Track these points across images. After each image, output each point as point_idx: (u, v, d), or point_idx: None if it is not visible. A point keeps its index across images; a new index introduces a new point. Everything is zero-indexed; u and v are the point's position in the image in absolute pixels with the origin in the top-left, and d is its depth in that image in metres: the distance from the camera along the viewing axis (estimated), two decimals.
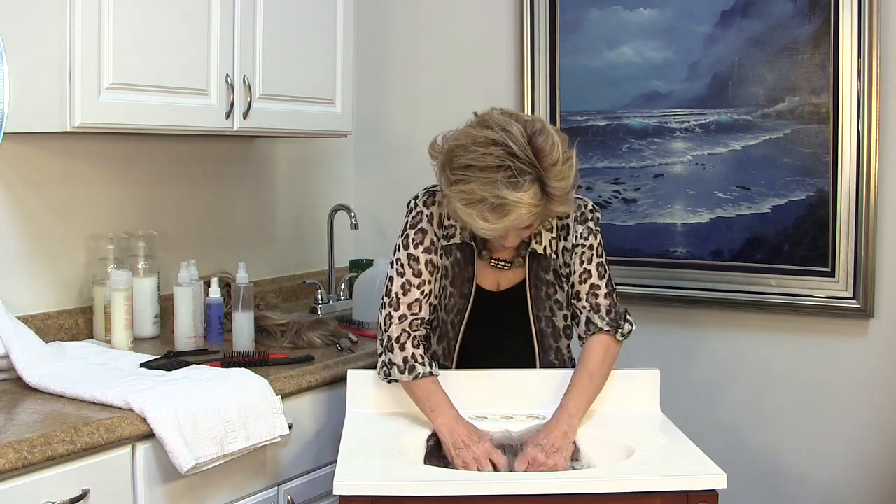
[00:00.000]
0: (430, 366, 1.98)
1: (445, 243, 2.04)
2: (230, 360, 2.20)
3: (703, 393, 2.73)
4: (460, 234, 2.03)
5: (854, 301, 2.49)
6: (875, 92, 2.42)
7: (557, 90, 2.85)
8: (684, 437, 1.91)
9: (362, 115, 3.14)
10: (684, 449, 1.85)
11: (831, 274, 2.52)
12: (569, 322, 2.09)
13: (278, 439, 2.04)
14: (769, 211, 2.59)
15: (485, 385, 2.04)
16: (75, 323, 2.39)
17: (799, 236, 2.56)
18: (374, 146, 3.25)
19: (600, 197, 2.80)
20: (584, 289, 2.04)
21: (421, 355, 1.99)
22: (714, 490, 1.70)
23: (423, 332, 2.04)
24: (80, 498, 1.68)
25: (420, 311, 2.03)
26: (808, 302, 2.56)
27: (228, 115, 2.39)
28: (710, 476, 1.71)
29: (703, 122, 2.66)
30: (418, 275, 2.03)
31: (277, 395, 2.05)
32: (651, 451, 1.84)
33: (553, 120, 2.86)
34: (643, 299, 2.73)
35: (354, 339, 2.47)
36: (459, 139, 1.85)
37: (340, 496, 1.68)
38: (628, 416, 2.02)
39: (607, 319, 2.02)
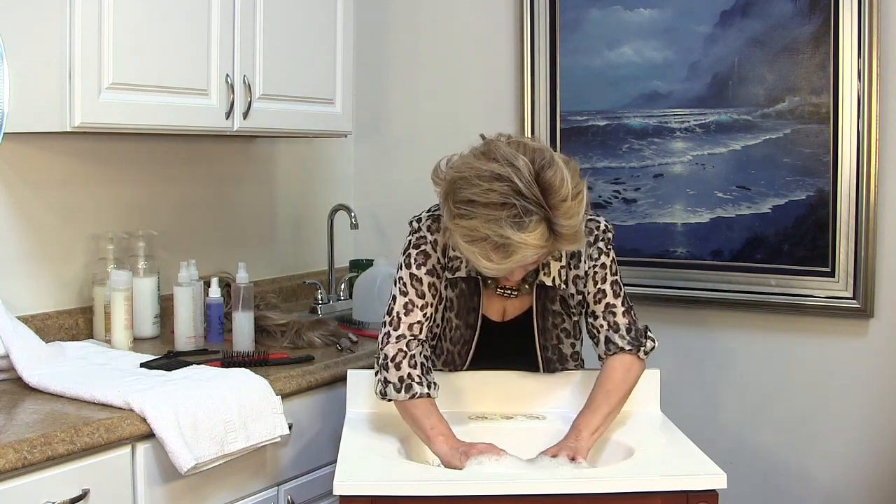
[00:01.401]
0: (428, 387, 1.92)
1: (450, 276, 1.98)
2: (230, 360, 2.20)
3: (704, 393, 2.73)
4: (465, 267, 1.97)
5: (854, 301, 2.49)
6: (875, 92, 2.42)
7: (557, 90, 2.85)
8: (684, 437, 1.91)
9: (362, 115, 3.14)
10: (684, 449, 1.85)
11: (831, 274, 2.52)
12: (577, 349, 2.06)
13: (278, 439, 2.04)
14: (769, 211, 2.59)
15: (485, 385, 2.04)
16: (75, 323, 2.39)
17: (799, 236, 2.56)
18: (374, 146, 3.25)
19: (600, 197, 2.80)
20: (600, 308, 1.98)
21: (418, 375, 1.92)
22: (714, 490, 1.70)
23: (421, 350, 1.97)
24: (80, 498, 1.68)
25: (420, 332, 1.97)
26: (808, 302, 2.56)
27: (228, 115, 2.39)
28: (710, 476, 1.70)
29: (703, 122, 2.66)
30: (422, 296, 1.97)
31: (277, 395, 2.05)
32: (651, 451, 1.84)
33: (553, 120, 2.86)
34: (643, 299, 2.72)
35: (354, 339, 2.47)
36: (463, 170, 1.75)
37: (340, 496, 1.67)
38: (628, 416, 2.01)
39: (628, 338, 1.96)
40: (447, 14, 3.08)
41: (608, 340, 1.97)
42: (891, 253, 2.47)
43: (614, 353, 1.97)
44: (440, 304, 2.01)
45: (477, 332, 2.02)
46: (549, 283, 1.97)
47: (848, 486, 2.55)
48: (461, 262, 1.97)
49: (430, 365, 2.01)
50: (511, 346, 2.04)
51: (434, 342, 2.06)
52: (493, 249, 1.71)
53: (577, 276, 1.99)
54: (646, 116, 2.74)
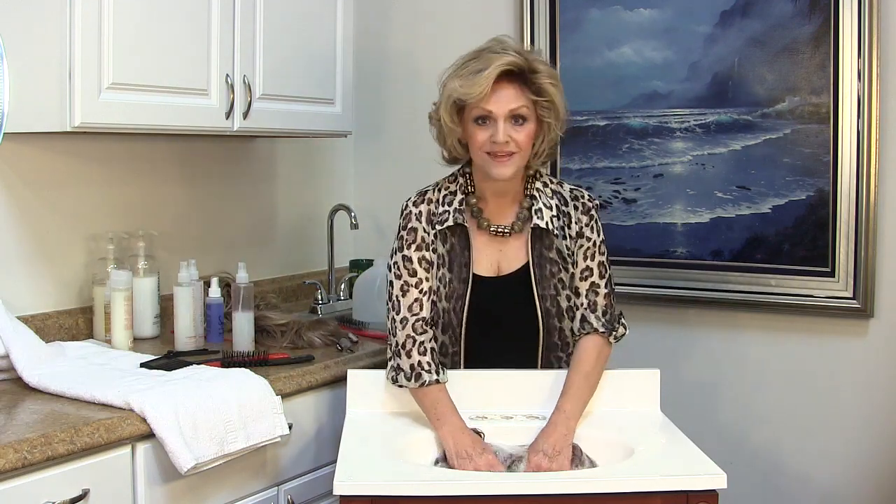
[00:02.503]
0: (437, 373, 1.98)
1: (439, 228, 2.03)
2: (230, 360, 2.20)
3: (703, 393, 2.73)
4: (453, 216, 2.03)
5: (854, 301, 2.49)
6: (875, 92, 2.42)
7: None
8: (684, 437, 1.91)
9: (362, 115, 3.14)
10: (684, 449, 1.85)
11: (831, 274, 2.52)
12: (572, 303, 2.07)
13: (278, 439, 2.04)
14: (769, 211, 2.59)
15: (485, 385, 2.04)
16: (75, 323, 2.39)
17: (799, 236, 2.56)
18: (374, 146, 3.25)
19: (600, 197, 2.80)
20: (584, 286, 2.04)
21: (428, 362, 1.98)
22: (714, 490, 1.70)
23: (429, 333, 2.03)
24: (80, 498, 1.68)
25: (421, 310, 2.03)
26: (808, 302, 2.55)
27: (228, 115, 2.39)
28: (710, 476, 1.71)
29: (703, 122, 2.66)
30: (413, 274, 2.04)
31: (277, 395, 2.05)
32: (651, 451, 1.84)
33: None
34: (643, 299, 2.73)
35: (354, 339, 2.47)
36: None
37: (340, 496, 1.68)
38: (628, 416, 2.02)
39: (603, 321, 2.03)
40: (447, 14, 3.08)
41: (584, 319, 2.03)
42: (891, 253, 2.47)
43: (588, 332, 2.02)
44: (433, 269, 2.05)
45: (469, 285, 2.03)
46: (542, 225, 2.02)
47: (848, 486, 2.55)
48: (448, 213, 2.03)
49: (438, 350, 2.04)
50: (508, 303, 2.05)
51: (432, 311, 2.06)
52: (473, 72, 1.91)
53: (568, 234, 2.04)
54: (646, 116, 2.74)
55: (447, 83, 1.97)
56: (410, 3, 3.14)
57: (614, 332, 2.04)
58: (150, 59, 2.18)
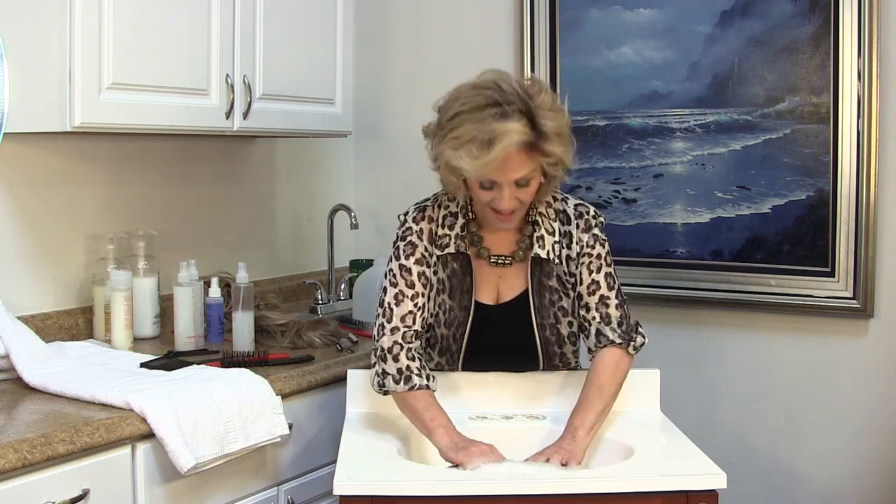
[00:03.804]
0: (427, 379, 1.93)
1: (440, 253, 1.99)
2: (230, 360, 2.20)
3: (703, 393, 2.73)
4: (455, 243, 1.99)
5: (854, 301, 2.49)
6: (875, 92, 2.42)
7: (557, 90, 2.85)
8: (684, 437, 1.91)
9: (362, 115, 3.14)
10: (684, 449, 1.85)
11: (831, 274, 2.52)
12: (574, 329, 2.04)
13: (278, 439, 2.04)
14: (769, 211, 2.59)
15: (485, 385, 2.04)
16: (75, 323, 2.39)
17: (799, 236, 2.56)
18: (374, 146, 3.25)
19: (600, 197, 2.80)
20: (594, 300, 1.99)
21: (417, 367, 1.93)
22: (714, 490, 1.70)
23: (417, 344, 1.98)
24: (80, 498, 1.69)
25: (414, 323, 1.98)
26: (808, 302, 2.56)
27: (228, 115, 2.39)
28: (710, 476, 1.70)
29: (703, 122, 2.66)
30: (411, 286, 1.99)
31: (277, 395, 2.05)
32: (651, 451, 1.84)
33: None
34: (643, 299, 2.73)
35: (354, 339, 2.47)
36: (452, 94, 1.88)
37: (340, 496, 1.67)
38: (628, 416, 2.01)
39: (619, 332, 1.97)
40: (447, 14, 3.08)
41: (599, 333, 1.98)
42: (891, 253, 2.47)
43: (605, 345, 1.97)
44: (432, 292, 2.01)
45: (471, 314, 1.99)
46: (543, 255, 1.97)
47: (847, 486, 2.55)
48: (450, 239, 1.99)
49: (426, 360, 2.01)
50: (508, 330, 2.01)
51: (428, 333, 2.05)
52: (479, 147, 1.77)
53: (569, 257, 2.00)
54: (646, 116, 2.74)
55: (445, 150, 1.84)
56: (410, 2, 3.14)
57: (633, 343, 1.98)
58: (150, 60, 2.18)
